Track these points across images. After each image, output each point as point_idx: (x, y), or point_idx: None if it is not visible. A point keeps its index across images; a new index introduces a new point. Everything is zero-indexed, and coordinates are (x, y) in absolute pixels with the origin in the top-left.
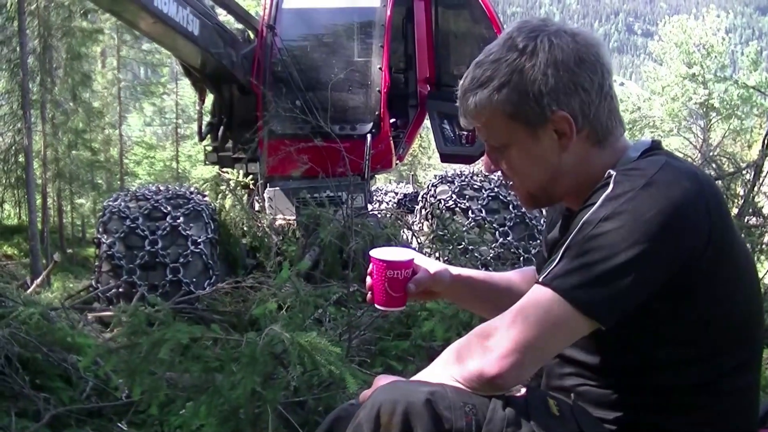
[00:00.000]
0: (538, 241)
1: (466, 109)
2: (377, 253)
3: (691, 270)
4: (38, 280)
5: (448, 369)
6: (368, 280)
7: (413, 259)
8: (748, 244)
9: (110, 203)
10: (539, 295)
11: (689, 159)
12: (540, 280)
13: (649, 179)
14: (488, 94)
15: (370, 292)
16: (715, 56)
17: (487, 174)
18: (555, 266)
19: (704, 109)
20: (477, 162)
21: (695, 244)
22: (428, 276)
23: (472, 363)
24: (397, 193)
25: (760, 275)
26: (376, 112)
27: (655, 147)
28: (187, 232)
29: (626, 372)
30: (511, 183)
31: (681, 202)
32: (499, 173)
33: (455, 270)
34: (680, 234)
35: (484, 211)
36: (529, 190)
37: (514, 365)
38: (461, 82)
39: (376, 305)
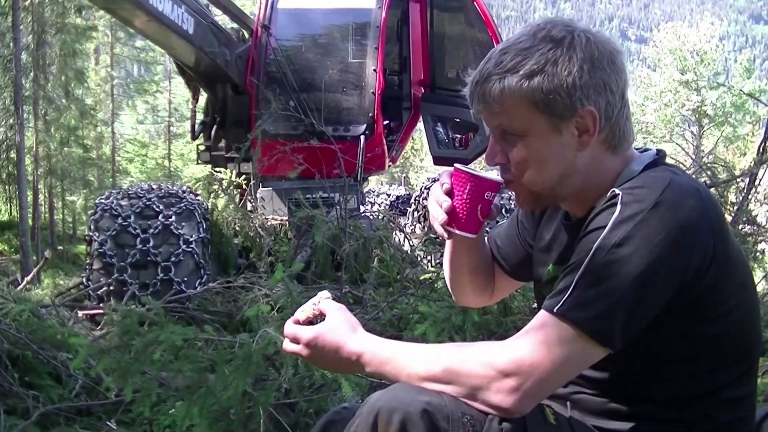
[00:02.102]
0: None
1: (487, 93)
2: (470, 170)
3: (695, 287)
4: (29, 277)
5: (456, 392)
6: (444, 202)
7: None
8: (743, 252)
9: (102, 201)
10: (559, 329)
11: (682, 165)
12: (556, 310)
13: (656, 200)
14: (518, 80)
15: (444, 215)
16: (709, 63)
17: (489, 165)
18: (569, 295)
19: (697, 116)
20: (470, 165)
21: (701, 261)
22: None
23: (493, 398)
24: (389, 195)
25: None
26: (370, 114)
27: (658, 161)
28: (179, 231)
29: (625, 384)
30: (511, 179)
31: (688, 222)
32: (499, 167)
33: None
34: (688, 254)
35: None
36: (535, 187)
37: (534, 401)
38: (481, 65)
39: (456, 230)
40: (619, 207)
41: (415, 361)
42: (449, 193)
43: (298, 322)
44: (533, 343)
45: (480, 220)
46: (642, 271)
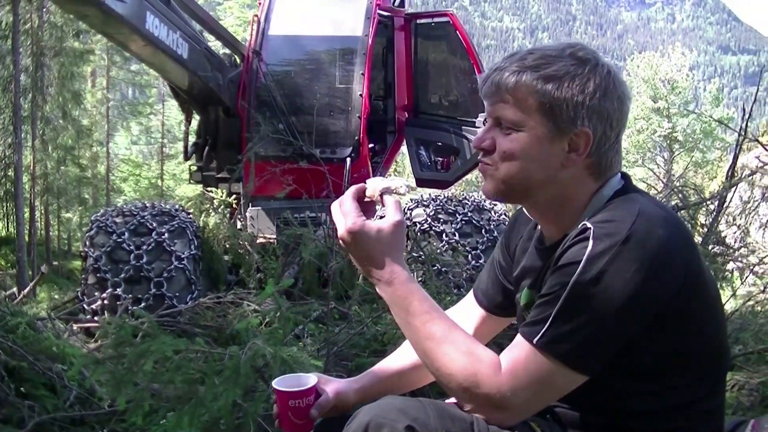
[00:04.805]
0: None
1: (502, 80)
2: (279, 383)
3: (670, 310)
4: (25, 291)
5: (446, 387)
6: (275, 407)
7: (314, 386)
8: (711, 272)
9: (97, 218)
10: (542, 362)
11: (654, 189)
12: (536, 342)
13: (626, 233)
14: (534, 78)
15: (277, 420)
16: (680, 92)
17: (475, 148)
18: (548, 327)
19: (668, 142)
20: (451, 187)
21: (673, 287)
22: (329, 399)
23: (486, 413)
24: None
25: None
26: (356, 137)
27: (625, 187)
28: (172, 247)
29: (603, 398)
30: (489, 165)
31: (659, 253)
32: (482, 158)
33: (360, 382)
34: (661, 283)
35: (457, 235)
36: (509, 180)
37: (520, 418)
38: (506, 56)
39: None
40: (591, 242)
41: (420, 335)
42: (276, 403)
43: (361, 194)
44: (517, 376)
45: (298, 423)
46: (618, 305)
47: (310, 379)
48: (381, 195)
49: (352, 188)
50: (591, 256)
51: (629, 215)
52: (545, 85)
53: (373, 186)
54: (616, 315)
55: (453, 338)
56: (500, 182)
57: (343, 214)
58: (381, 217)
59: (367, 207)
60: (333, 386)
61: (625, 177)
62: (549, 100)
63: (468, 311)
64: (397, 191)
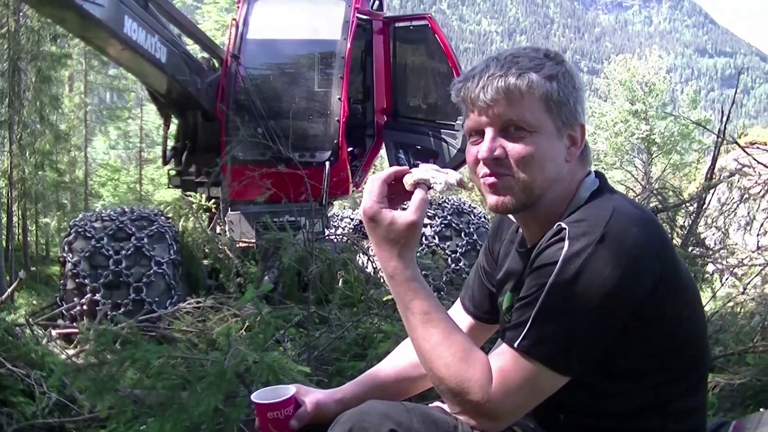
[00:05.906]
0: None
1: (511, 84)
2: (257, 396)
3: (644, 309)
4: (3, 297)
5: (438, 388)
6: (257, 420)
7: (292, 396)
8: (691, 273)
9: (76, 223)
10: (525, 366)
11: (632, 192)
12: (517, 345)
13: (602, 232)
14: (540, 78)
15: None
16: (657, 94)
17: (487, 160)
18: (528, 330)
19: (646, 144)
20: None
21: (650, 285)
22: (309, 411)
23: (474, 419)
24: (352, 219)
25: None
26: (335, 141)
27: (600, 187)
28: (151, 252)
29: (581, 398)
30: (504, 174)
31: (635, 251)
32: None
33: (342, 392)
34: (638, 281)
35: (437, 238)
36: (531, 185)
37: (508, 424)
38: (489, 64)
39: None
40: (567, 242)
41: (418, 334)
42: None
43: (400, 177)
44: (506, 384)
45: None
46: (596, 305)
47: (288, 391)
48: (416, 185)
49: (393, 169)
50: (567, 256)
51: (604, 214)
52: (550, 83)
53: (418, 173)
54: (595, 313)
55: (449, 342)
56: (522, 191)
57: (369, 192)
58: (404, 209)
59: (403, 189)
60: (313, 397)
61: (600, 176)
62: (556, 98)
63: (455, 320)
64: (433, 186)
